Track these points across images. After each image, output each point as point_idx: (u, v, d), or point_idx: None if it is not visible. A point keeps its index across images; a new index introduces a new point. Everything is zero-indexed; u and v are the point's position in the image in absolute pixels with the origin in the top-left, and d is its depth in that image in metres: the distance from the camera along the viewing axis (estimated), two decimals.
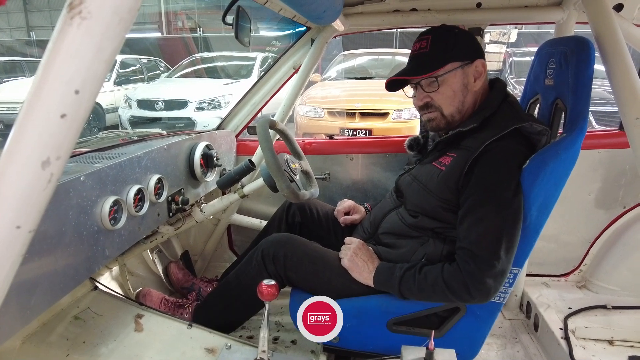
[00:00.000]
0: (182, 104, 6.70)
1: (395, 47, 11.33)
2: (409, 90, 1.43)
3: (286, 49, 1.85)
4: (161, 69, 9.97)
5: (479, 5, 1.64)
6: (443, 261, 1.28)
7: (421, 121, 1.57)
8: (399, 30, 11.92)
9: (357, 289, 1.37)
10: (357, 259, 1.36)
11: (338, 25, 1.61)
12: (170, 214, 1.49)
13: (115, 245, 1.19)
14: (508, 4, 1.63)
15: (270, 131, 1.80)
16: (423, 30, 1.38)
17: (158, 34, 16.72)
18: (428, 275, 1.25)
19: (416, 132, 5.20)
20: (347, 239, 1.45)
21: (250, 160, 1.61)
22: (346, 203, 1.71)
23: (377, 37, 12.25)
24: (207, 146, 1.67)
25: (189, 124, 6.48)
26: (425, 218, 1.34)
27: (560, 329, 1.71)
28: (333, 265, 1.40)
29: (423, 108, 1.36)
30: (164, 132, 1.81)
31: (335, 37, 1.78)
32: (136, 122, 6.82)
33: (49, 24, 20.02)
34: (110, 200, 1.14)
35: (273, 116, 1.92)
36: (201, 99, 6.70)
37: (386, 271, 1.32)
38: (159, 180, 1.39)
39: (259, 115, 2.04)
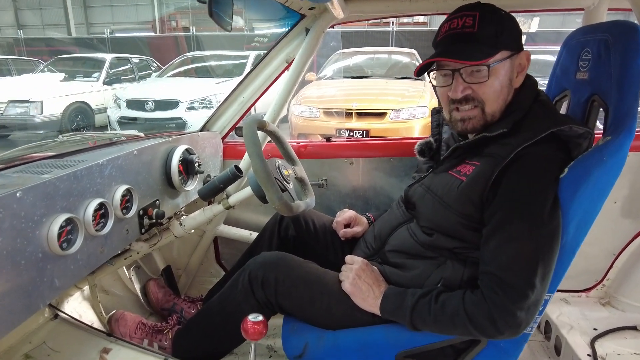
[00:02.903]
0: (173, 104, 6.48)
1: (392, 46, 11.16)
2: (437, 77, 1.16)
3: (278, 40, 1.64)
4: (153, 68, 9.73)
5: None
6: (464, 287, 1.08)
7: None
8: (395, 29, 11.79)
9: (361, 318, 1.18)
10: (360, 283, 1.17)
11: (337, 11, 1.41)
12: (143, 230, 1.28)
13: (69, 273, 0.98)
14: None
15: (260, 133, 1.60)
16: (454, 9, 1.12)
17: (151, 34, 16.48)
18: (446, 304, 1.05)
19: (414, 133, 5.05)
20: (348, 258, 1.26)
21: (236, 166, 1.41)
22: (346, 214, 1.51)
23: (373, 36, 12.13)
24: (187, 150, 1.46)
25: (180, 124, 6.25)
26: (442, 236, 1.14)
27: (588, 355, 1.52)
28: (332, 290, 1.20)
29: (461, 102, 1.11)
30: (141, 135, 1.59)
31: (333, 26, 1.57)
32: (125, 122, 6.60)
33: (40, 22, 19.74)
34: (61, 219, 0.93)
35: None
36: (192, 98, 6.48)
37: (395, 298, 1.13)
38: (127, 192, 1.18)
39: (249, 114, 1.84)
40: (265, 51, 1.68)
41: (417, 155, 1.37)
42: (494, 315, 0.98)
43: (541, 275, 0.97)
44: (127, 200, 1.19)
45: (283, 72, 1.68)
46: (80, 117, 7.75)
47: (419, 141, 1.36)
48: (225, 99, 1.77)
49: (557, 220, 1.00)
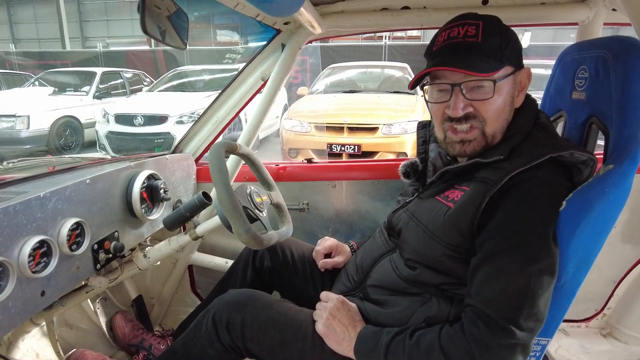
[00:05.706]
0: (162, 119, 6.35)
1: (385, 60, 11.13)
2: (432, 92, 1.04)
3: (253, 56, 1.54)
4: (145, 83, 9.62)
5: (485, 2, 1.35)
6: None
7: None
8: (388, 43, 11.78)
9: None
10: (334, 323, 1.05)
11: (313, 26, 1.30)
12: (98, 265, 1.16)
13: None
14: (522, 1, 1.34)
15: (236, 157, 1.49)
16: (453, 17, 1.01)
17: (147, 47, 16.45)
18: (421, 340, 0.94)
19: (407, 147, 4.95)
20: (323, 295, 1.14)
21: (204, 193, 1.29)
22: (327, 242, 1.39)
23: (367, 50, 12.14)
24: (151, 176, 1.34)
25: (169, 139, 6.12)
26: (427, 270, 1.02)
27: None
28: (306, 333, 1.08)
29: (460, 120, 0.99)
30: (107, 157, 1.46)
31: (310, 41, 1.47)
32: (113, 137, 6.47)
33: (35, 36, 19.71)
34: None
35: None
36: (181, 112, 6.37)
37: (370, 338, 1.01)
38: (77, 226, 1.06)
39: (223, 135, 1.72)
40: (240, 67, 1.57)
41: (401, 177, 1.26)
42: (474, 351, 0.87)
43: (528, 315, 0.86)
44: (77, 235, 1.06)
45: (259, 90, 1.57)
46: (69, 131, 7.61)
47: (403, 162, 1.25)
48: (199, 119, 1.66)
49: (555, 256, 0.89)
